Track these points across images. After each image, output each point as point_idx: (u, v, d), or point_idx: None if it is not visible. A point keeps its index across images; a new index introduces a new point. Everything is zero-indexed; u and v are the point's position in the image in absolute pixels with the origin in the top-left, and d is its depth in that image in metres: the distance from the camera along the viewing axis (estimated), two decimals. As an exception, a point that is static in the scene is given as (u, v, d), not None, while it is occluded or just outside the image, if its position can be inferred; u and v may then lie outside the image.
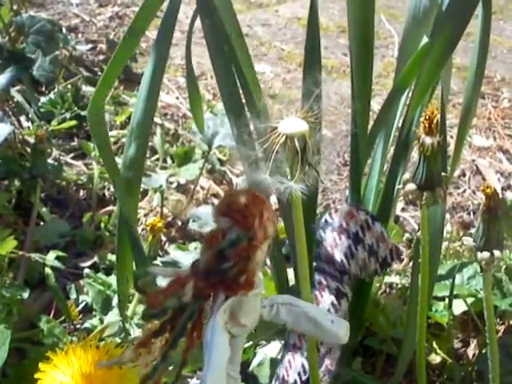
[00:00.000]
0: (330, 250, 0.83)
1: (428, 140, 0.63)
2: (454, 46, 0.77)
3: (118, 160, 1.40)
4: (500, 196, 0.65)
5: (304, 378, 0.79)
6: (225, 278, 0.55)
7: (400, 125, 0.88)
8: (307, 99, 0.60)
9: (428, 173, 0.64)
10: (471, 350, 1.02)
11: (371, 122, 0.89)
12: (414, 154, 0.68)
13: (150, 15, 0.82)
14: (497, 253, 0.65)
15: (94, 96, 0.83)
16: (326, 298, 0.81)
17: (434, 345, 1.00)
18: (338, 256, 0.83)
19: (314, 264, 0.85)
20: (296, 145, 0.58)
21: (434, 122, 0.62)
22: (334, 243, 0.83)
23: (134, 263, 0.92)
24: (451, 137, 1.48)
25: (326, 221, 0.85)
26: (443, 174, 0.66)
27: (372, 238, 0.83)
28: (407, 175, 0.67)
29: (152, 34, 1.76)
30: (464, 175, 1.49)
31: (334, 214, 0.85)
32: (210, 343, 0.56)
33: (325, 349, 0.81)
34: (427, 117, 0.62)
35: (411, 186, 0.66)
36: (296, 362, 0.80)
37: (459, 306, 0.98)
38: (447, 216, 1.35)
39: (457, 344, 1.04)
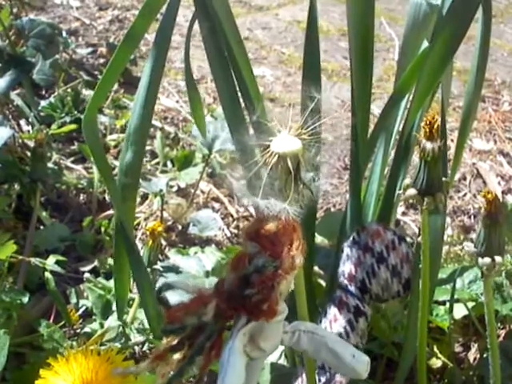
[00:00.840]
0: (353, 267, 0.83)
1: (429, 145, 0.62)
2: (454, 50, 0.77)
3: (117, 163, 1.40)
4: (501, 200, 0.65)
5: None
6: (247, 303, 0.55)
7: (401, 129, 0.87)
8: (302, 113, 0.59)
9: (429, 178, 0.64)
10: (472, 355, 1.02)
11: (371, 126, 0.89)
12: (415, 158, 0.68)
13: (149, 20, 0.82)
14: (498, 258, 0.64)
15: (91, 100, 0.83)
16: (344, 315, 0.81)
17: (435, 349, 0.99)
18: (360, 274, 0.82)
19: (338, 281, 0.85)
20: (289, 165, 0.57)
21: (435, 127, 0.62)
22: (358, 261, 0.82)
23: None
24: (452, 140, 1.48)
25: (353, 238, 0.85)
26: (444, 179, 0.65)
27: (396, 258, 0.82)
28: (408, 180, 0.67)
29: (152, 37, 1.76)
30: (465, 179, 1.49)
31: (361, 232, 0.84)
32: (226, 364, 0.56)
33: None
34: (428, 122, 0.62)
35: (412, 192, 0.66)
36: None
37: (460, 311, 0.98)
38: (448, 220, 1.34)
39: (458, 348, 1.04)
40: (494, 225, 0.64)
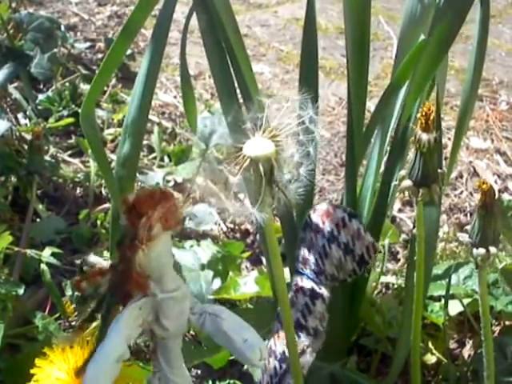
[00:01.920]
0: (306, 250, 0.82)
1: (424, 136, 0.62)
2: (449, 42, 0.77)
3: (113, 157, 1.40)
4: (496, 196, 0.65)
5: (283, 365, 0.78)
6: (117, 275, 0.56)
7: (396, 124, 0.88)
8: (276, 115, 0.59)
9: (424, 169, 0.64)
10: (467, 351, 1.02)
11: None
12: (411, 154, 0.68)
13: (145, 13, 0.82)
14: (493, 249, 0.64)
15: (88, 93, 0.83)
16: (300, 299, 0.80)
17: (430, 345, 1.00)
18: (313, 256, 0.81)
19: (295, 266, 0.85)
20: (260, 169, 0.57)
21: (431, 118, 0.62)
22: (311, 243, 0.82)
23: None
24: (448, 138, 1.48)
25: (305, 222, 0.84)
26: (439, 170, 0.66)
27: (347, 235, 0.81)
28: (403, 172, 0.67)
29: (150, 33, 1.76)
30: (461, 177, 1.49)
31: (312, 214, 0.83)
32: (108, 332, 0.57)
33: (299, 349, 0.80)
34: (424, 113, 0.62)
35: (407, 183, 0.66)
36: (277, 349, 0.79)
37: (455, 307, 0.98)
38: (444, 217, 1.35)
39: (452, 345, 1.04)
40: (488, 215, 0.64)
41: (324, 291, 0.81)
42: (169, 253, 0.59)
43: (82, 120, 0.83)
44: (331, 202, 0.84)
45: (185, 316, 0.62)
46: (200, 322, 0.62)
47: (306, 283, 0.81)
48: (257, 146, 0.57)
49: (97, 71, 0.83)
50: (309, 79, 0.88)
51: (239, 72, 0.84)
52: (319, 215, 0.82)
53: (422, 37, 0.78)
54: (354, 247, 0.81)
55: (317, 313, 0.80)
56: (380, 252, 0.89)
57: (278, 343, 0.79)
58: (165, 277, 0.59)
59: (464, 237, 0.66)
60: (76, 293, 0.98)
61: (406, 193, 0.67)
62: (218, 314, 0.62)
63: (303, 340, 0.79)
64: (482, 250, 0.65)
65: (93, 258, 0.63)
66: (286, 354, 0.77)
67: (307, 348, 0.80)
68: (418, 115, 0.63)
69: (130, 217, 0.55)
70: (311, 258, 0.81)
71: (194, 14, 0.86)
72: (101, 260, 0.62)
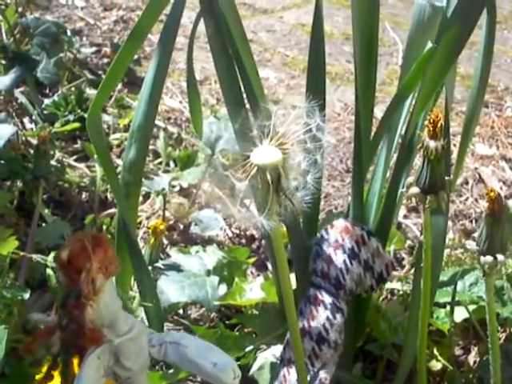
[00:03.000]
0: (325, 265, 0.83)
1: (432, 144, 0.62)
2: (458, 51, 0.77)
3: (119, 162, 1.41)
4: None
5: None
6: (68, 333, 0.55)
7: (403, 131, 0.87)
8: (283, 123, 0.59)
9: (431, 176, 0.64)
10: (472, 358, 1.02)
11: (374, 129, 0.89)
12: (417, 162, 0.68)
13: (153, 19, 0.82)
14: (500, 257, 0.64)
15: (95, 98, 0.83)
16: (322, 313, 0.81)
17: (435, 351, 0.99)
18: (334, 271, 0.83)
19: (311, 279, 0.85)
20: (267, 177, 0.57)
21: (439, 125, 0.62)
22: (330, 258, 0.83)
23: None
24: (454, 145, 1.48)
25: (321, 236, 0.85)
26: (447, 178, 0.65)
27: (368, 252, 0.83)
28: (411, 179, 0.67)
29: (156, 38, 1.76)
30: (467, 183, 1.49)
31: (329, 229, 0.85)
32: None
33: (320, 363, 0.81)
34: (431, 120, 0.62)
35: (415, 190, 0.66)
36: (291, 377, 0.80)
37: (461, 314, 0.98)
38: (449, 223, 1.34)
39: (458, 351, 1.04)
40: (496, 223, 0.64)
41: (343, 305, 0.83)
42: (115, 297, 0.58)
43: (88, 125, 0.83)
44: (347, 219, 0.85)
45: (145, 351, 0.61)
46: (161, 353, 0.61)
47: (326, 298, 0.82)
48: (264, 154, 0.57)
49: (103, 76, 0.83)
50: (316, 86, 0.88)
51: (246, 78, 0.84)
52: (338, 231, 0.84)
53: (430, 43, 0.77)
54: (373, 264, 0.83)
55: (337, 326, 0.81)
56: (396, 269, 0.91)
57: (292, 371, 0.80)
58: (117, 321, 0.58)
59: (471, 244, 0.66)
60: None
61: (413, 199, 0.67)
62: (178, 341, 0.62)
63: (325, 353, 0.81)
64: (489, 258, 0.65)
65: (36, 316, 0.62)
66: (322, 369, 0.79)
67: (329, 360, 0.81)
68: (426, 122, 0.63)
69: (67, 273, 0.54)
70: (332, 273, 0.82)
71: (201, 20, 0.86)
72: (44, 317, 0.60)
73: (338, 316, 0.82)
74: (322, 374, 0.80)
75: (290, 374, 0.80)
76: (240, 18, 0.85)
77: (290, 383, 0.80)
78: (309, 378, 0.79)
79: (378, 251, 0.84)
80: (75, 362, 0.57)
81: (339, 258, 0.82)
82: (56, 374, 0.58)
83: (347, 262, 0.82)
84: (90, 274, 0.53)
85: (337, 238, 0.83)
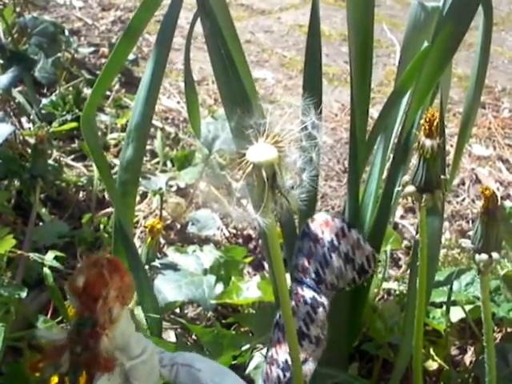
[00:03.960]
0: (305, 259, 0.82)
1: (428, 142, 0.63)
2: (453, 49, 0.77)
3: (117, 162, 1.41)
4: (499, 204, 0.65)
5: (287, 374, 0.78)
6: (82, 359, 0.53)
7: (399, 131, 0.88)
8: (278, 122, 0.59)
9: (427, 175, 0.64)
10: (468, 358, 1.02)
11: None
12: (413, 161, 0.68)
13: (146, 18, 0.82)
14: (495, 255, 0.65)
15: (90, 98, 0.83)
16: (302, 308, 0.80)
17: (431, 351, 1.00)
18: (313, 265, 0.81)
19: (294, 274, 0.84)
20: (263, 174, 0.57)
21: (434, 124, 0.62)
22: (310, 252, 0.82)
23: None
24: (451, 145, 1.49)
25: (303, 231, 0.84)
26: (442, 176, 0.66)
27: (347, 245, 0.81)
28: (406, 177, 0.67)
29: (154, 38, 1.76)
30: (463, 184, 1.50)
31: (310, 223, 0.83)
32: None
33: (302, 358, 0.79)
34: (427, 119, 0.62)
35: (410, 188, 0.66)
36: (280, 358, 0.80)
37: (457, 314, 0.98)
38: (446, 224, 1.35)
39: (454, 351, 1.04)
40: (491, 221, 0.64)
41: (324, 300, 0.81)
42: (130, 322, 0.57)
43: (82, 124, 0.83)
44: (329, 212, 0.84)
45: (156, 372, 0.60)
46: (172, 374, 0.61)
47: (307, 292, 0.81)
48: (260, 152, 0.57)
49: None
50: (312, 85, 0.88)
51: (238, 78, 0.84)
52: (318, 225, 0.82)
53: (426, 44, 0.78)
54: (354, 256, 0.81)
55: (319, 321, 0.80)
56: (379, 261, 0.89)
57: (281, 352, 0.79)
58: (130, 344, 0.57)
59: (466, 242, 0.67)
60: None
61: (409, 199, 0.67)
62: (190, 363, 0.61)
63: (306, 348, 0.79)
64: (484, 256, 0.65)
65: (43, 333, 0.60)
66: (289, 362, 0.77)
67: (310, 356, 0.80)
68: (422, 121, 0.63)
69: (82, 301, 0.52)
70: (311, 267, 0.81)
71: (198, 20, 0.86)
72: (52, 335, 0.58)
73: (320, 311, 0.80)
74: (303, 370, 0.79)
75: (279, 355, 0.80)
76: (231, 18, 0.85)
77: (280, 364, 0.79)
78: (289, 375, 0.78)
79: (358, 243, 0.82)
80: (82, 380, 0.56)
81: (319, 252, 0.81)
82: None
83: (327, 255, 0.80)
84: (107, 303, 0.52)
85: (317, 232, 0.82)
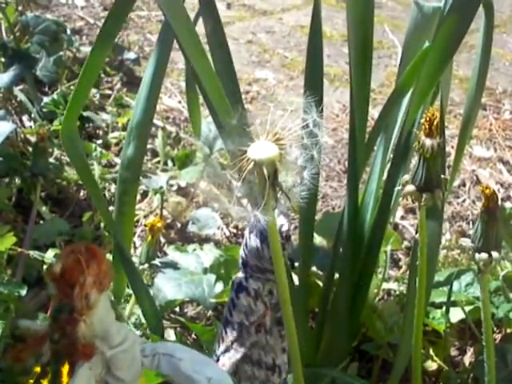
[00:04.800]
0: (243, 246, 0.76)
1: (428, 142, 0.63)
2: (453, 49, 0.77)
3: (118, 160, 1.41)
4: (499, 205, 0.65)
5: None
6: (60, 347, 0.53)
7: (400, 131, 0.88)
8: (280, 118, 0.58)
9: (427, 175, 0.64)
10: (468, 358, 1.03)
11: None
12: (413, 162, 0.68)
13: (118, 22, 0.81)
14: (495, 254, 0.65)
15: (67, 111, 0.81)
16: (230, 294, 0.76)
17: (431, 352, 1.00)
18: (242, 249, 0.75)
19: None
20: (264, 172, 0.57)
21: (435, 123, 0.62)
22: (245, 239, 0.75)
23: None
24: (452, 147, 1.49)
25: None
26: (442, 176, 0.66)
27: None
28: (406, 177, 0.67)
29: (155, 37, 1.76)
30: (464, 185, 1.50)
31: None
32: None
33: (224, 347, 0.76)
34: (428, 118, 0.62)
35: (410, 188, 0.66)
36: (219, 350, 0.77)
37: (456, 314, 0.98)
38: (446, 225, 1.35)
39: (453, 352, 1.04)
40: (491, 220, 0.64)
41: (251, 284, 0.75)
42: (109, 309, 0.56)
43: (62, 138, 0.81)
44: None
45: (137, 362, 0.59)
46: (154, 364, 0.60)
47: (237, 277, 0.76)
48: (261, 149, 0.57)
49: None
50: (314, 85, 0.88)
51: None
52: None
53: (427, 43, 0.78)
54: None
55: (241, 306, 0.75)
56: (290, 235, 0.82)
57: (222, 345, 0.77)
58: (110, 332, 0.57)
59: (466, 241, 0.67)
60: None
61: (410, 199, 0.67)
62: (171, 353, 0.60)
63: (229, 335, 0.76)
64: (484, 255, 0.65)
65: (25, 323, 0.60)
66: (223, 354, 0.75)
67: (232, 344, 0.76)
68: (422, 121, 0.63)
69: (60, 287, 0.52)
70: (241, 252, 0.75)
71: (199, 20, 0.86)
72: (34, 324, 0.58)
73: (241, 296, 0.75)
74: (222, 360, 0.76)
75: (220, 348, 0.77)
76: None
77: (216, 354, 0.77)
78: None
79: None
80: (65, 371, 0.56)
81: (246, 235, 0.74)
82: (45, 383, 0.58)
83: (247, 235, 0.74)
84: (84, 289, 0.52)
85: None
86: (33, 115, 1.47)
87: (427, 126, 0.62)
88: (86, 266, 0.52)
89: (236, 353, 0.76)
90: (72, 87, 1.59)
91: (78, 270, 0.52)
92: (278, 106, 0.60)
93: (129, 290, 1.01)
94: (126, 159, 0.87)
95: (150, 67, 0.85)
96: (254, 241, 0.73)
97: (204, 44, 0.80)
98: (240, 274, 0.75)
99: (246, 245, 0.73)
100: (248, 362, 0.76)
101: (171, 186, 1.37)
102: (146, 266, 1.01)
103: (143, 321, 0.97)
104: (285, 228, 0.70)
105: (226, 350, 0.76)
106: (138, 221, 1.28)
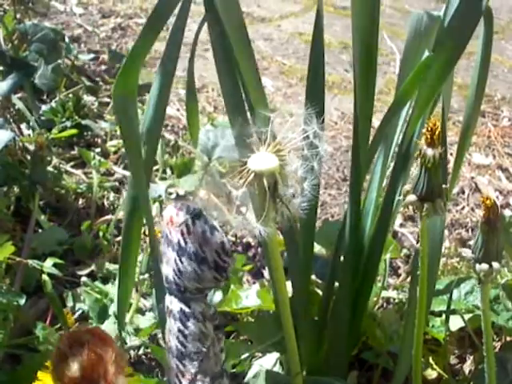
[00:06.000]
0: (165, 268, 0.69)
1: (430, 152, 0.62)
2: (455, 60, 0.77)
3: (116, 169, 1.41)
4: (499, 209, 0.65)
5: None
6: None
7: (400, 140, 0.88)
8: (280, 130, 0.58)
9: (429, 184, 0.64)
10: (467, 367, 1.02)
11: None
12: (414, 170, 0.68)
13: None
14: (495, 265, 0.64)
15: (120, 72, 0.76)
16: (173, 325, 0.69)
17: (431, 360, 0.99)
18: (171, 274, 0.67)
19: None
20: (264, 183, 0.57)
21: (436, 133, 0.62)
22: (166, 259, 0.68)
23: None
24: (451, 154, 1.49)
25: (164, 232, 0.69)
26: (444, 186, 0.66)
27: (194, 243, 0.65)
28: (407, 186, 0.67)
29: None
30: (463, 192, 1.50)
31: (162, 221, 0.68)
32: None
33: (187, 381, 0.70)
34: (429, 128, 0.62)
35: (412, 197, 0.66)
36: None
37: (456, 323, 0.98)
38: (446, 232, 1.35)
39: (453, 360, 1.04)
40: (492, 231, 0.64)
41: (195, 308, 0.68)
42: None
43: (114, 100, 0.78)
44: (178, 203, 0.68)
45: None
46: None
47: (175, 305, 0.69)
48: (261, 161, 0.57)
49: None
50: (315, 95, 0.88)
51: (244, 84, 0.83)
52: (166, 223, 0.67)
53: (426, 52, 0.78)
54: (204, 254, 0.65)
55: (193, 335, 0.69)
56: (231, 252, 0.76)
57: (183, 380, 0.70)
58: None
59: (467, 252, 0.66)
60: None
61: (410, 208, 0.67)
62: None
63: (189, 368, 0.70)
64: (484, 266, 0.65)
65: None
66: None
67: (196, 375, 0.70)
68: (424, 130, 0.63)
69: None
70: (170, 277, 0.68)
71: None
72: None
73: (190, 323, 0.68)
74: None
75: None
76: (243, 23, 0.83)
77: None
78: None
79: (204, 238, 0.64)
80: None
81: (171, 258, 0.67)
82: None
83: (177, 260, 0.66)
84: (109, 380, 0.51)
85: (166, 233, 0.67)
86: (31, 123, 1.47)
87: (429, 136, 0.62)
88: (102, 356, 0.51)
89: (207, 381, 0.70)
90: (70, 95, 1.59)
91: (97, 365, 0.51)
92: (279, 116, 0.60)
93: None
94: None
95: (160, 72, 0.84)
96: (188, 265, 0.66)
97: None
98: (176, 303, 0.69)
99: (179, 270, 0.66)
100: None
101: (170, 194, 1.36)
102: (146, 275, 1.01)
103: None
104: (228, 245, 0.65)
105: (192, 382, 0.70)
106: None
